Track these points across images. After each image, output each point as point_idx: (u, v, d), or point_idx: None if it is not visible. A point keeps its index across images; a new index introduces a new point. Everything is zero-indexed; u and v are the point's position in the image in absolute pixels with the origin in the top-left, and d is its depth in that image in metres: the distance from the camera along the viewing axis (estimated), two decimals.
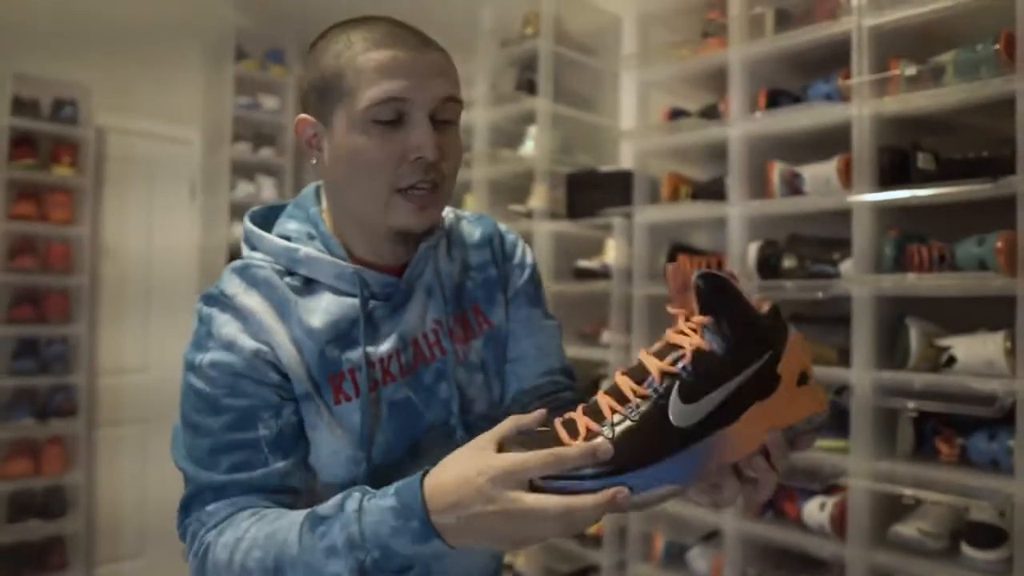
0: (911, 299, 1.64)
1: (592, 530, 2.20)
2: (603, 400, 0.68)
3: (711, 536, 1.93)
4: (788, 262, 1.82)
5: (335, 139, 0.82)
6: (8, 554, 2.87)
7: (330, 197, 0.89)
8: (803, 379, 0.70)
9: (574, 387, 1.00)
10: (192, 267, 3.53)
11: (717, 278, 0.68)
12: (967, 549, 1.49)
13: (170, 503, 0.89)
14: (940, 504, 1.57)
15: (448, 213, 0.98)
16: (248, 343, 0.81)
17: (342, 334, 0.85)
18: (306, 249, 0.86)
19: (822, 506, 1.68)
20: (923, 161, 1.63)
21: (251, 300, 0.83)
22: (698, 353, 0.67)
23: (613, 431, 0.65)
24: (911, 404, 1.58)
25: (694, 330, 0.69)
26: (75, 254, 3.09)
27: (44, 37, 3.07)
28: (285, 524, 0.74)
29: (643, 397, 0.67)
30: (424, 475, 0.69)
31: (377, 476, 0.83)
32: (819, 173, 1.79)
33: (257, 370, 0.81)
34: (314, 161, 0.86)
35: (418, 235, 0.85)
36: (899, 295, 1.62)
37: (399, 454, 0.86)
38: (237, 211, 3.35)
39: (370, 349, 0.85)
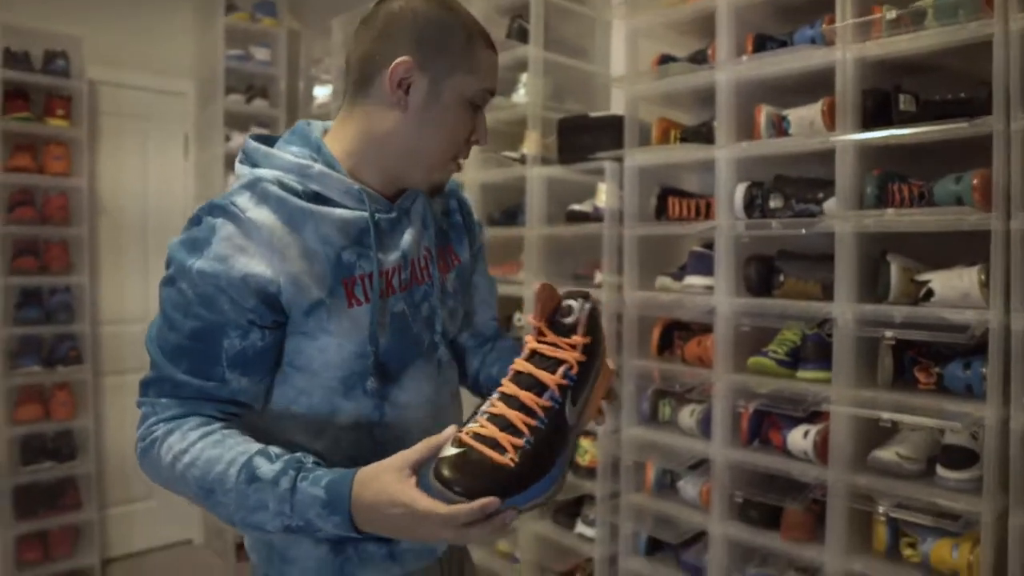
0: (891, 235, 1.71)
1: (586, 461, 2.31)
2: (513, 415, 0.82)
3: (700, 464, 2.03)
4: (774, 202, 1.88)
5: (440, 98, 0.92)
6: (25, 494, 2.97)
7: (372, 135, 0.95)
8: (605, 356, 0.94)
9: (496, 329, 1.25)
10: (187, 218, 3.56)
11: (595, 309, 0.90)
12: (941, 470, 1.58)
13: None
14: (917, 430, 1.66)
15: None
16: (241, 263, 0.86)
17: (355, 241, 0.93)
18: (318, 165, 0.93)
19: (805, 433, 1.78)
20: (904, 103, 1.69)
21: (261, 215, 0.88)
22: (580, 364, 0.86)
23: (532, 442, 0.80)
24: (890, 334, 1.66)
25: (572, 346, 0.87)
26: (73, 206, 3.12)
27: None
28: (228, 457, 0.84)
29: (545, 408, 0.83)
30: (352, 479, 0.81)
31: (381, 371, 0.96)
32: (804, 115, 1.85)
33: (239, 291, 0.86)
34: (394, 100, 0.93)
35: (440, 189, 1.01)
36: (880, 232, 1.69)
37: (397, 358, 0.98)
38: (231, 163, 3.36)
39: (380, 257, 0.95)
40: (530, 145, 2.55)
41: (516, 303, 2.61)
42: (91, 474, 3.15)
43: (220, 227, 0.88)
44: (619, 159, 2.25)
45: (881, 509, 1.61)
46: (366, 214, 0.94)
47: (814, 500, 1.75)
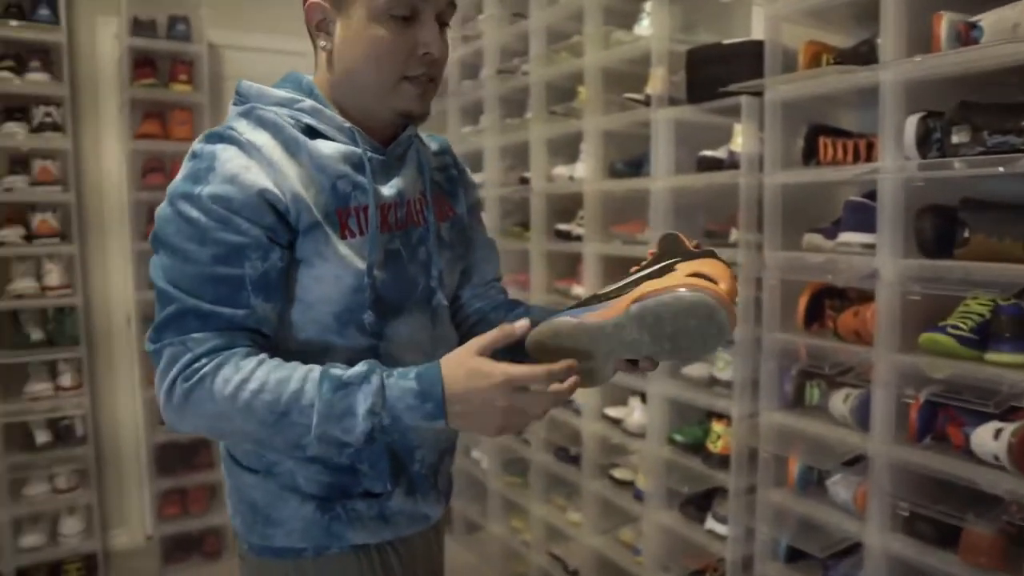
0: None
1: (718, 448, 2.00)
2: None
3: (855, 461, 1.68)
4: (958, 135, 1.47)
5: (352, 27, 0.91)
6: (164, 452, 3.06)
7: (333, 77, 0.96)
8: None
9: (506, 293, 1.24)
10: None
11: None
12: None
13: None
14: None
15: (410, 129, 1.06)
16: (250, 179, 0.86)
17: (349, 172, 0.93)
18: (310, 101, 0.94)
19: (997, 433, 1.39)
20: None
21: (259, 137, 0.89)
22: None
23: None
24: None
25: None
26: None
27: None
28: (298, 375, 0.84)
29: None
30: (440, 367, 0.85)
31: (379, 306, 0.96)
32: (1005, 17, 1.41)
33: (254, 209, 0.86)
34: (323, 43, 0.94)
35: (417, 119, 0.97)
36: None
37: (392, 295, 0.97)
38: None
39: (376, 189, 0.95)
40: (655, 84, 2.22)
41: None
42: None
43: (221, 152, 0.88)
44: (758, 93, 1.89)
45: None
46: (359, 150, 0.95)
47: (1008, 521, 1.36)
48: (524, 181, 2.81)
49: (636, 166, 2.37)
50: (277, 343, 0.94)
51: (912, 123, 1.54)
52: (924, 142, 1.53)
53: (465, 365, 0.84)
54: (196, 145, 0.90)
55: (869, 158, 1.68)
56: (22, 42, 2.84)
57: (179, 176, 0.89)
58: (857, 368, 1.64)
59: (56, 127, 2.87)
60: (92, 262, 3.09)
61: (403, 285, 0.99)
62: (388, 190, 0.97)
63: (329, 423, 0.83)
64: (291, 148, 0.91)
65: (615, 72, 2.41)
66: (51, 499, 2.89)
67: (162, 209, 0.88)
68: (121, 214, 3.07)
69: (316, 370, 0.85)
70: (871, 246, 1.63)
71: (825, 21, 1.91)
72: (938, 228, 1.54)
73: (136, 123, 3.04)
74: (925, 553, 1.51)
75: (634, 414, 2.34)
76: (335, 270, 0.91)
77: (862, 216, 1.68)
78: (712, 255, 0.92)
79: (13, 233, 2.80)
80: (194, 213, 0.85)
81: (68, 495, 2.91)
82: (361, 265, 0.93)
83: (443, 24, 0.95)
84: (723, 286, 0.85)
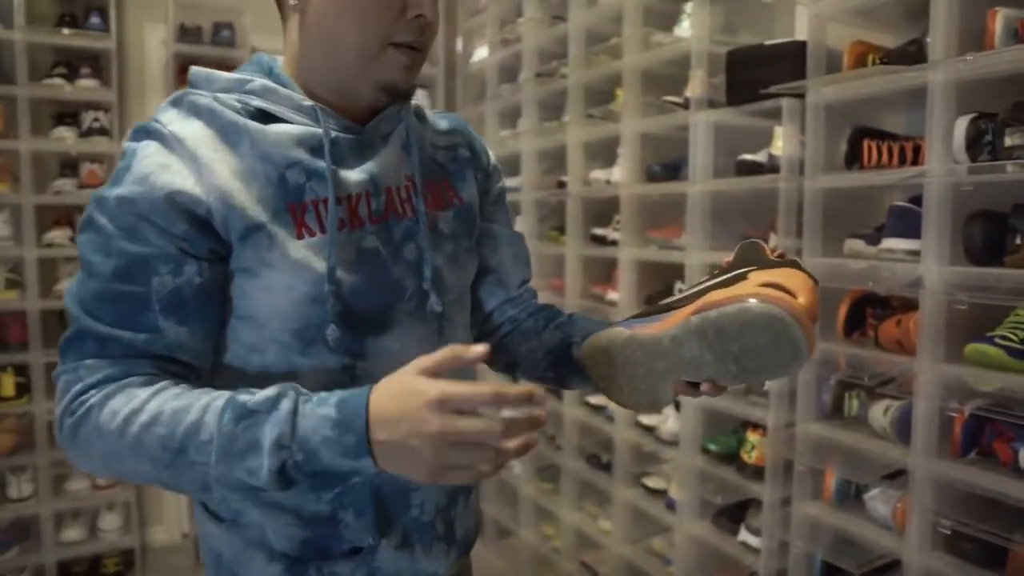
0: None
1: (753, 459, 1.95)
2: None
3: (895, 475, 1.61)
4: (1012, 138, 1.41)
5: None
6: None
7: (305, 47, 0.83)
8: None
9: (536, 294, 1.08)
10: None
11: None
12: None
13: None
14: None
15: (416, 99, 0.94)
16: (162, 181, 0.74)
17: (305, 160, 0.79)
18: (261, 80, 0.81)
19: None
20: None
21: (188, 128, 0.77)
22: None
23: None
24: None
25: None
26: None
27: None
28: (198, 405, 0.71)
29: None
30: (368, 391, 0.68)
31: (348, 319, 0.80)
32: None
33: (164, 215, 0.73)
34: (293, 1, 0.81)
35: (403, 92, 0.84)
36: None
37: (369, 305, 0.82)
38: None
39: (339, 178, 0.81)
40: (695, 87, 2.18)
41: (677, 272, 2.27)
42: None
43: (141, 148, 0.76)
44: (800, 95, 1.84)
45: None
46: (319, 130, 0.81)
47: None
48: (561, 185, 2.79)
49: (674, 169, 2.33)
50: (229, 372, 0.81)
51: (962, 125, 1.48)
52: (974, 144, 1.46)
53: (396, 385, 0.67)
54: (125, 141, 0.79)
55: (916, 162, 1.61)
56: (73, 50, 2.93)
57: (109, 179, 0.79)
58: (899, 379, 1.58)
59: (104, 131, 2.94)
60: None
61: (384, 290, 0.83)
62: (357, 175, 0.82)
63: (230, 462, 0.68)
64: (229, 137, 0.77)
65: (654, 74, 2.38)
66: (91, 495, 2.94)
67: (83, 215, 0.78)
68: None
69: (222, 398, 0.71)
70: (916, 253, 1.57)
71: (872, 20, 1.85)
72: (988, 234, 1.47)
73: None
74: (967, 573, 1.44)
75: (667, 422, 2.30)
76: (285, 278, 0.77)
77: (907, 221, 1.62)
78: (795, 265, 0.79)
79: (61, 235, 2.87)
80: (102, 219, 0.74)
81: (108, 491, 2.96)
82: (320, 268, 0.78)
83: None
84: (802, 300, 0.72)
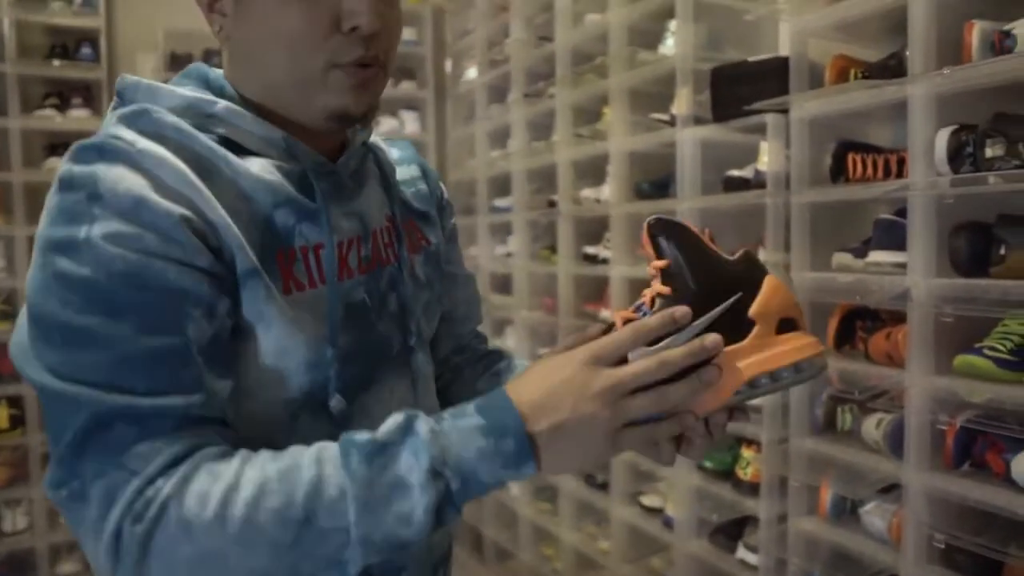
0: None
1: (748, 476, 1.94)
2: None
3: (889, 489, 1.60)
4: (992, 149, 1.41)
5: (247, 1, 0.65)
6: None
7: (240, 70, 0.70)
8: (788, 326, 0.67)
9: (486, 341, 1.00)
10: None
11: (669, 223, 0.67)
12: None
13: None
14: None
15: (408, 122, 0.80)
16: (165, 205, 0.58)
17: (293, 198, 0.67)
18: (224, 102, 0.66)
19: None
20: None
21: (159, 149, 0.61)
22: (658, 297, 0.66)
23: None
24: None
25: (654, 276, 0.67)
26: None
27: None
28: (305, 462, 0.56)
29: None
30: (503, 388, 0.60)
31: (344, 383, 0.69)
32: None
33: (180, 245, 0.58)
34: (217, 28, 0.68)
35: (356, 119, 0.69)
36: None
37: (357, 367, 0.70)
38: None
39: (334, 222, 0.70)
40: (681, 104, 2.19)
41: None
42: None
43: (104, 173, 0.58)
44: (784, 110, 1.85)
45: None
46: (298, 168, 0.69)
47: None
48: (552, 204, 2.79)
49: (662, 187, 2.34)
50: None
51: (943, 137, 1.48)
52: (956, 156, 1.47)
53: (531, 374, 0.60)
54: (63, 167, 0.60)
55: (901, 174, 1.62)
56: (65, 80, 2.95)
57: (45, 218, 0.60)
58: (890, 392, 1.57)
59: None
60: None
61: (371, 348, 0.73)
62: (347, 221, 0.71)
63: (376, 513, 0.55)
64: (203, 167, 0.63)
65: (640, 92, 2.40)
66: None
67: (32, 272, 0.59)
68: None
69: (330, 445, 0.58)
70: (902, 265, 1.57)
71: (853, 35, 1.86)
72: (973, 245, 1.47)
73: None
74: None
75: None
76: (279, 340, 0.64)
77: (893, 234, 1.62)
78: (758, 266, 0.69)
79: None
80: (84, 270, 0.56)
81: None
82: (316, 330, 0.67)
83: None
84: (810, 336, 0.67)
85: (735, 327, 0.64)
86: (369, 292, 0.73)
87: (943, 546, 1.45)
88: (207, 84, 0.70)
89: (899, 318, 1.60)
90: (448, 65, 3.55)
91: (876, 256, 1.64)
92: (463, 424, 0.58)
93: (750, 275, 0.67)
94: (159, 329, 0.57)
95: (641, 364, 0.59)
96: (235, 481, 0.55)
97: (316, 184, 0.69)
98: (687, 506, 2.14)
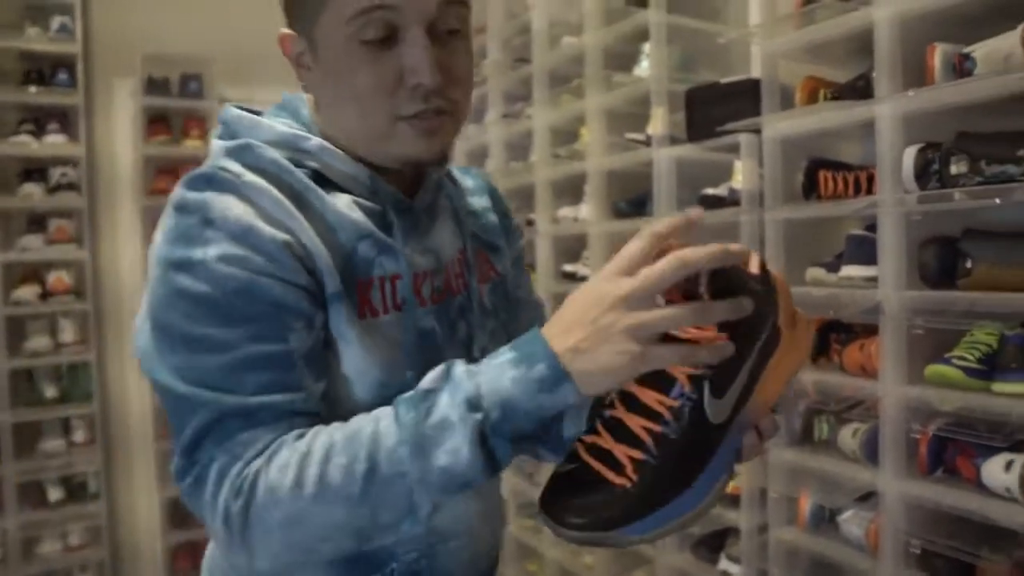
0: None
1: (729, 488, 1.97)
2: (632, 421, 0.63)
3: (866, 497, 1.65)
4: (956, 166, 1.47)
5: (324, 61, 0.71)
6: (176, 506, 3.06)
7: (323, 115, 0.77)
8: (793, 319, 0.67)
9: None
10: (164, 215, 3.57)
11: (735, 265, 0.63)
12: None
13: None
14: None
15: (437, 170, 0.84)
16: (268, 234, 0.66)
17: (374, 232, 0.73)
18: (316, 139, 0.73)
19: (1008, 465, 1.36)
20: None
21: (260, 181, 0.68)
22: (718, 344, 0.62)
23: (656, 455, 0.61)
24: None
25: (700, 327, 0.62)
26: None
27: (167, 17, 3.16)
28: (365, 422, 0.63)
29: (673, 408, 0.62)
30: (536, 327, 0.64)
31: None
32: (997, 48, 1.42)
33: (283, 266, 0.66)
34: (302, 81, 0.75)
35: (432, 164, 0.76)
36: None
37: None
38: None
39: (409, 255, 0.75)
40: (656, 124, 2.25)
41: None
42: None
43: (214, 200, 0.66)
44: (757, 131, 1.90)
45: None
46: (378, 206, 0.75)
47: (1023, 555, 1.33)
48: (530, 223, 2.83)
49: (639, 205, 2.38)
50: None
51: (910, 155, 1.54)
52: (923, 174, 1.52)
53: (564, 305, 0.63)
54: (177, 193, 0.68)
55: (871, 190, 1.68)
56: (41, 107, 2.94)
57: (162, 238, 0.68)
58: (865, 402, 1.62)
59: (72, 186, 2.95)
60: (107, 319, 3.12)
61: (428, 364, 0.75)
62: (422, 255, 0.77)
63: (427, 453, 0.60)
64: (300, 198, 0.70)
65: (616, 113, 2.45)
66: (63, 557, 2.89)
67: (153, 287, 0.68)
68: (135, 271, 3.11)
69: (386, 408, 0.65)
70: (874, 279, 1.62)
71: (821, 57, 1.93)
72: (941, 259, 1.53)
73: (150, 180, 3.11)
74: None
75: None
76: (355, 359, 0.71)
77: (864, 249, 1.67)
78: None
79: (30, 292, 2.86)
80: (202, 287, 0.64)
81: (80, 553, 2.90)
82: (391, 353, 0.72)
83: (451, 32, 0.71)
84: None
85: (769, 344, 0.65)
86: (439, 320, 0.78)
87: (919, 551, 1.50)
88: (299, 117, 0.77)
89: (872, 330, 1.65)
90: None
91: (848, 270, 1.69)
92: (496, 360, 0.62)
93: (769, 291, 0.64)
94: (267, 338, 0.65)
95: (659, 269, 0.59)
96: (307, 449, 0.62)
97: (396, 221, 0.75)
98: None
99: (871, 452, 1.61)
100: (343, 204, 0.72)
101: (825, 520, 1.78)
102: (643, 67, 2.35)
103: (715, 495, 0.65)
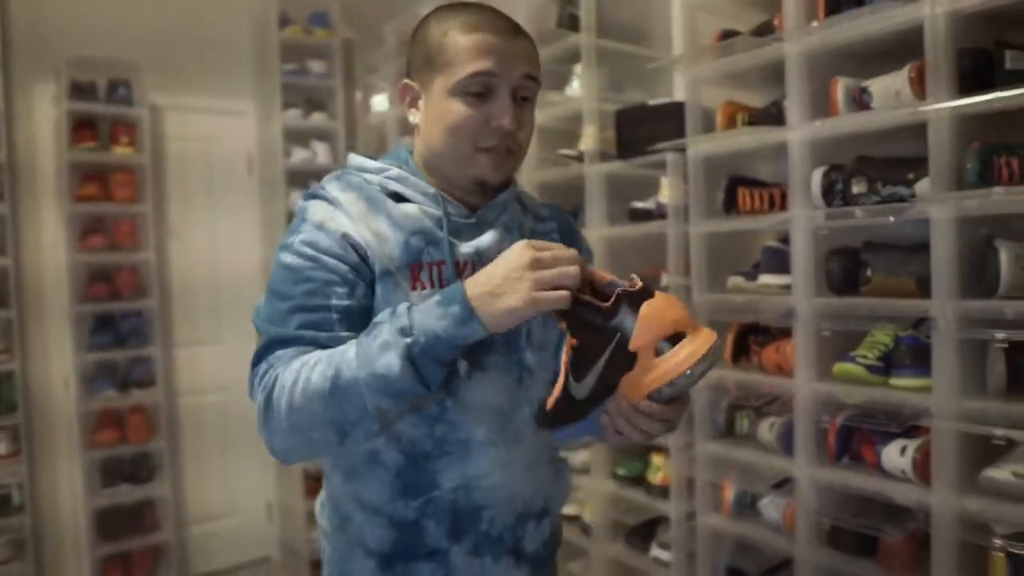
0: (999, 218, 1.47)
1: (658, 480, 2.12)
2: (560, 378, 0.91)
3: (783, 483, 1.82)
4: (857, 186, 1.66)
5: (434, 103, 0.98)
6: (105, 517, 3.02)
7: (423, 148, 1.03)
8: (673, 340, 0.83)
9: None
10: (255, 240, 3.57)
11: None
12: None
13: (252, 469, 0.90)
14: None
15: (520, 188, 1.12)
16: (335, 226, 0.96)
17: (427, 230, 0.99)
18: (396, 169, 1.02)
19: (903, 450, 1.55)
20: (1011, 60, 1.45)
21: (345, 196, 0.99)
22: (572, 347, 0.88)
23: (561, 399, 0.91)
24: (1001, 335, 1.42)
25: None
26: (140, 232, 3.16)
27: (93, 19, 3.11)
28: (346, 346, 0.89)
29: (565, 377, 0.89)
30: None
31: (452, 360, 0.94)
32: (889, 85, 1.62)
33: (339, 250, 0.95)
34: (413, 119, 1.03)
35: (493, 187, 1.01)
36: (985, 215, 1.45)
37: (468, 351, 0.94)
38: (293, 179, 3.35)
39: (452, 246, 0.99)
40: (587, 141, 2.39)
41: None
42: (168, 496, 3.17)
43: (311, 206, 0.99)
44: (682, 150, 2.07)
45: (998, 542, 1.37)
46: (438, 212, 1.00)
47: (916, 528, 1.52)
48: None
49: (572, 216, 2.51)
50: None
51: (817, 176, 1.72)
52: (828, 192, 1.71)
53: (486, 268, 0.88)
54: (298, 203, 1.02)
55: (784, 205, 1.85)
56: None
57: (285, 232, 1.01)
58: (780, 398, 1.79)
59: None
60: (30, 326, 3.02)
61: (478, 342, 0.92)
62: (466, 248, 1.00)
63: (370, 363, 0.84)
64: (372, 206, 0.98)
65: (550, 130, 2.57)
66: None
67: (276, 260, 0.99)
68: (59, 278, 3.03)
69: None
70: (787, 287, 1.80)
71: (739, 83, 2.11)
72: (844, 269, 1.71)
73: (76, 185, 3.04)
74: (849, 563, 1.65)
75: (579, 451, 2.45)
76: None
77: (778, 260, 1.85)
78: (647, 294, 0.85)
79: None
80: (290, 259, 0.95)
81: (5, 567, 2.81)
82: None
83: (524, 98, 0.98)
84: (702, 334, 0.83)
85: (624, 360, 0.84)
86: None
87: (829, 529, 1.68)
88: (398, 157, 1.05)
89: (786, 333, 1.82)
90: (359, 96, 3.63)
91: (765, 279, 1.87)
92: (427, 303, 0.87)
93: (626, 313, 0.83)
94: (315, 294, 0.93)
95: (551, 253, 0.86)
96: (308, 359, 0.89)
97: (445, 223, 1.00)
98: (603, 512, 2.31)
99: (786, 443, 1.78)
100: (411, 209, 0.99)
101: (747, 506, 1.95)
102: (574, 87, 2.48)
103: (585, 444, 0.88)
